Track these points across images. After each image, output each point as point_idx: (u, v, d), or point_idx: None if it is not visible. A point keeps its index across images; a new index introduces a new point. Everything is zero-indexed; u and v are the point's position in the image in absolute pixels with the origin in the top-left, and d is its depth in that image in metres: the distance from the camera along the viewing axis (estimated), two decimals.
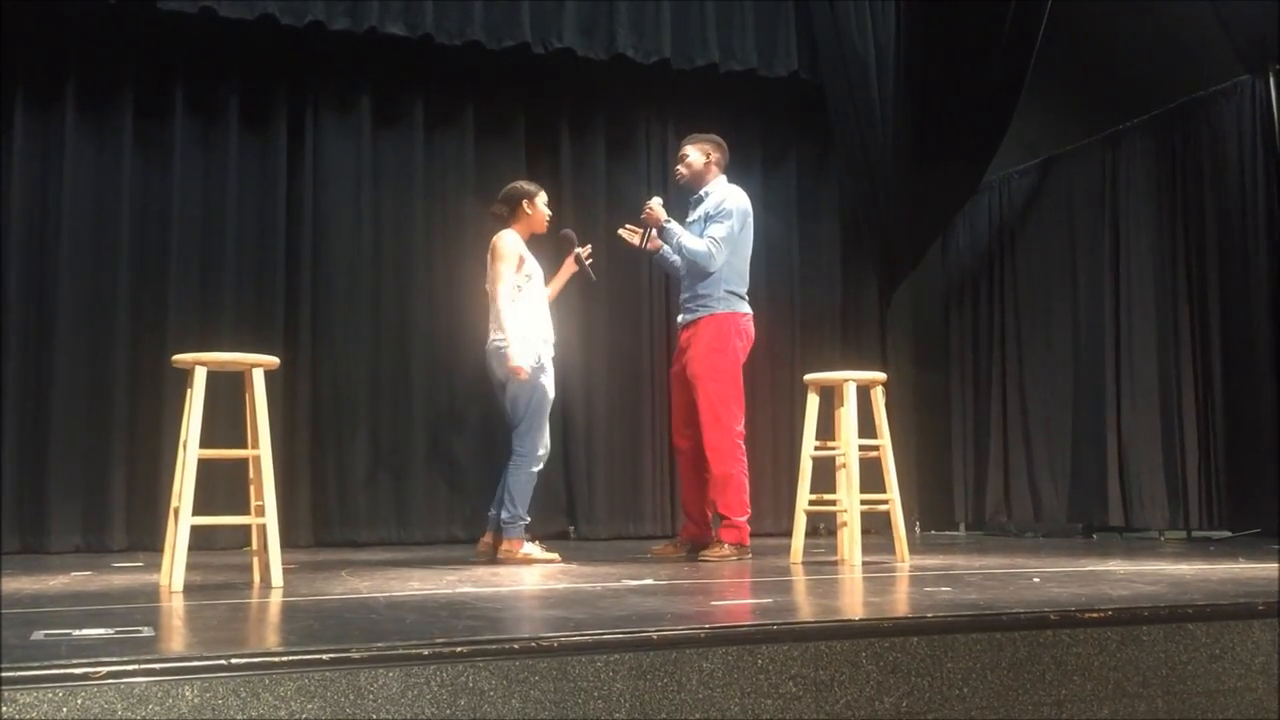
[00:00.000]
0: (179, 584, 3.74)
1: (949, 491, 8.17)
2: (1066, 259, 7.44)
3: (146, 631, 2.58)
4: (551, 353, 5.26)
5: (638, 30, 7.27)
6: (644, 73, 7.41)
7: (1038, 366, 7.62)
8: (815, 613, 2.97)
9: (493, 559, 5.11)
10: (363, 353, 6.96)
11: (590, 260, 5.52)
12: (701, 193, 5.50)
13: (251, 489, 4.07)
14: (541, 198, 5.37)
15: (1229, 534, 6.25)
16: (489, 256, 5.22)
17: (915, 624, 2.54)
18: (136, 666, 2.03)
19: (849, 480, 4.88)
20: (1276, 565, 4.21)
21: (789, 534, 5.17)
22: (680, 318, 5.52)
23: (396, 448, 6.96)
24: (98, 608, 3.22)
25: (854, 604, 3.26)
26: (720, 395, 5.25)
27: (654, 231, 5.45)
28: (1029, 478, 7.61)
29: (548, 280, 5.47)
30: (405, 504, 6.93)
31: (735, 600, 3.37)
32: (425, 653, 2.18)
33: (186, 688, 2.00)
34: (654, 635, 2.34)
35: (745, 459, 5.31)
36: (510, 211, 5.32)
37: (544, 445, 5.20)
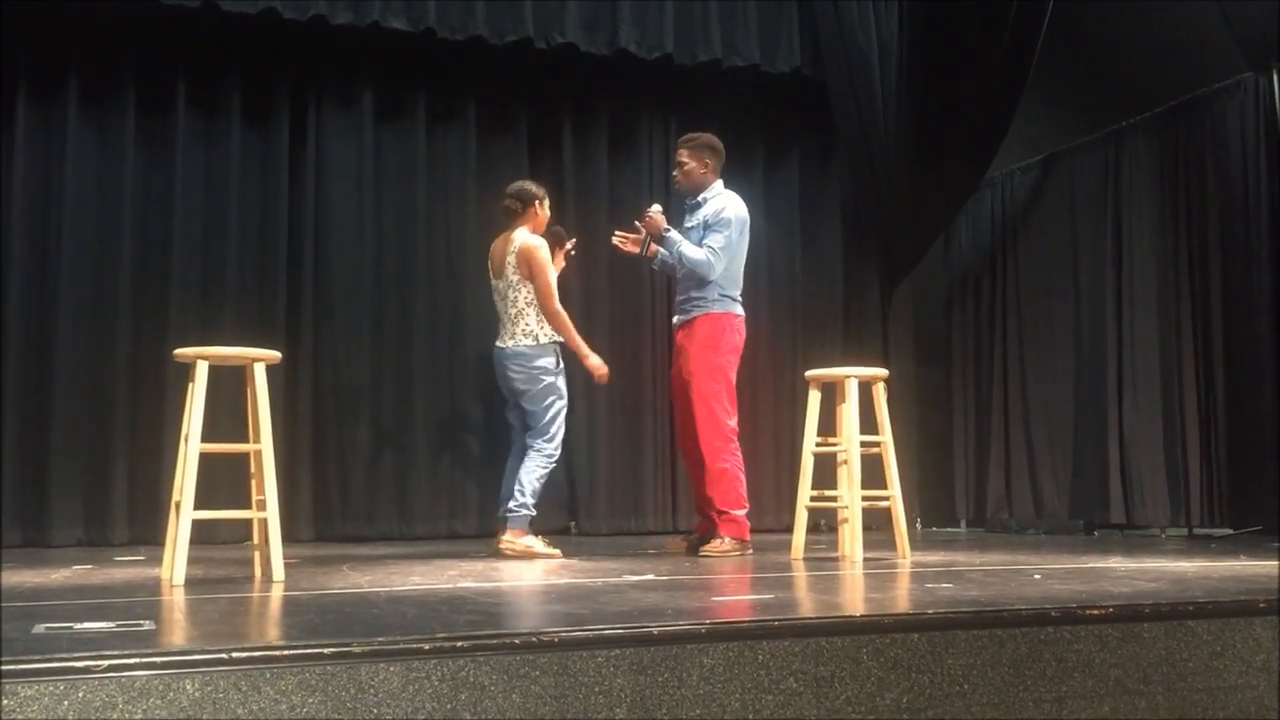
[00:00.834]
0: (180, 578, 3.75)
1: (950, 488, 8.17)
2: (1068, 256, 7.43)
3: (148, 625, 2.58)
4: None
5: (640, 26, 7.26)
6: (646, 68, 7.40)
7: (1039, 363, 7.62)
8: (816, 609, 2.97)
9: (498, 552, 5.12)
10: (364, 347, 6.96)
11: (572, 254, 5.69)
12: (699, 198, 5.51)
13: (253, 483, 4.08)
14: (548, 200, 5.54)
15: (1230, 531, 6.25)
16: (520, 263, 5.28)
17: (916, 620, 2.54)
18: (138, 660, 2.03)
19: (850, 476, 4.88)
20: (1277, 563, 4.21)
21: (790, 530, 5.17)
22: (675, 319, 5.57)
23: (398, 442, 6.96)
24: (99, 601, 3.23)
25: (855, 600, 3.26)
26: (714, 392, 5.29)
27: (652, 239, 5.49)
28: (1030, 474, 7.61)
29: None
30: (407, 498, 6.93)
31: (736, 596, 3.37)
32: (426, 647, 2.18)
33: (188, 681, 2.00)
34: (655, 631, 2.34)
35: (739, 454, 5.35)
36: (523, 208, 5.42)
37: (560, 445, 5.36)
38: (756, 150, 7.81)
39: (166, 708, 1.98)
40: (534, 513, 5.23)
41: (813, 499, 5.04)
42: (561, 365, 5.31)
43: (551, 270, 5.34)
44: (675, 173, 5.59)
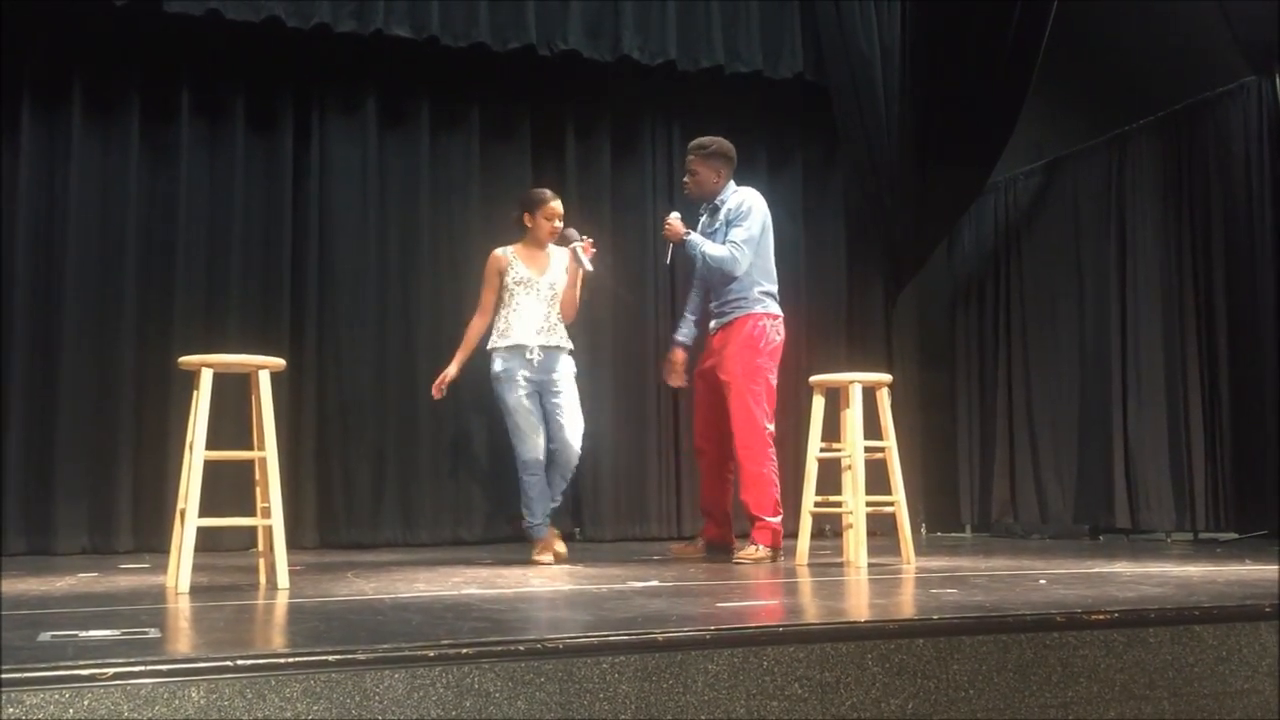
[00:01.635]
0: (185, 585, 3.75)
1: (955, 493, 8.16)
2: (1072, 260, 7.43)
3: (153, 633, 2.58)
4: (529, 359, 5.31)
5: (643, 32, 7.27)
6: (649, 74, 7.41)
7: (1044, 368, 7.61)
8: (821, 614, 2.97)
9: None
10: (369, 354, 6.97)
11: (592, 252, 5.45)
12: (716, 201, 5.51)
13: (257, 490, 4.08)
14: (545, 210, 5.43)
15: (1236, 536, 6.24)
16: None
17: (921, 626, 2.54)
18: (143, 668, 2.03)
19: (854, 482, 4.87)
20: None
21: (794, 536, 5.16)
22: (712, 324, 5.50)
23: (402, 449, 6.96)
24: (104, 609, 3.23)
25: (860, 606, 3.25)
26: (754, 394, 5.26)
27: (673, 246, 5.47)
28: (1035, 479, 7.60)
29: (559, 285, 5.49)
30: (411, 505, 6.93)
31: (741, 602, 3.37)
32: (431, 654, 2.18)
33: (192, 689, 2.00)
34: (659, 637, 2.34)
35: (776, 459, 5.31)
36: (518, 219, 5.48)
37: (528, 453, 5.29)
38: (759, 155, 7.81)
39: (171, 715, 1.98)
40: (536, 522, 5.33)
41: (817, 504, 5.04)
42: (504, 373, 5.31)
43: (487, 283, 5.41)
44: (686, 179, 5.57)
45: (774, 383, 5.37)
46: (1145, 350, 6.78)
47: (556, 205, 5.44)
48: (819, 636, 2.42)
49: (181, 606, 3.29)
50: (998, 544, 6.64)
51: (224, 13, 6.40)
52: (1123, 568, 4.39)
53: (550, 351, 5.36)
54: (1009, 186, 8.01)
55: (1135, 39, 7.38)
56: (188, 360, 4.02)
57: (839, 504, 5.02)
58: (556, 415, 5.35)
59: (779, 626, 2.49)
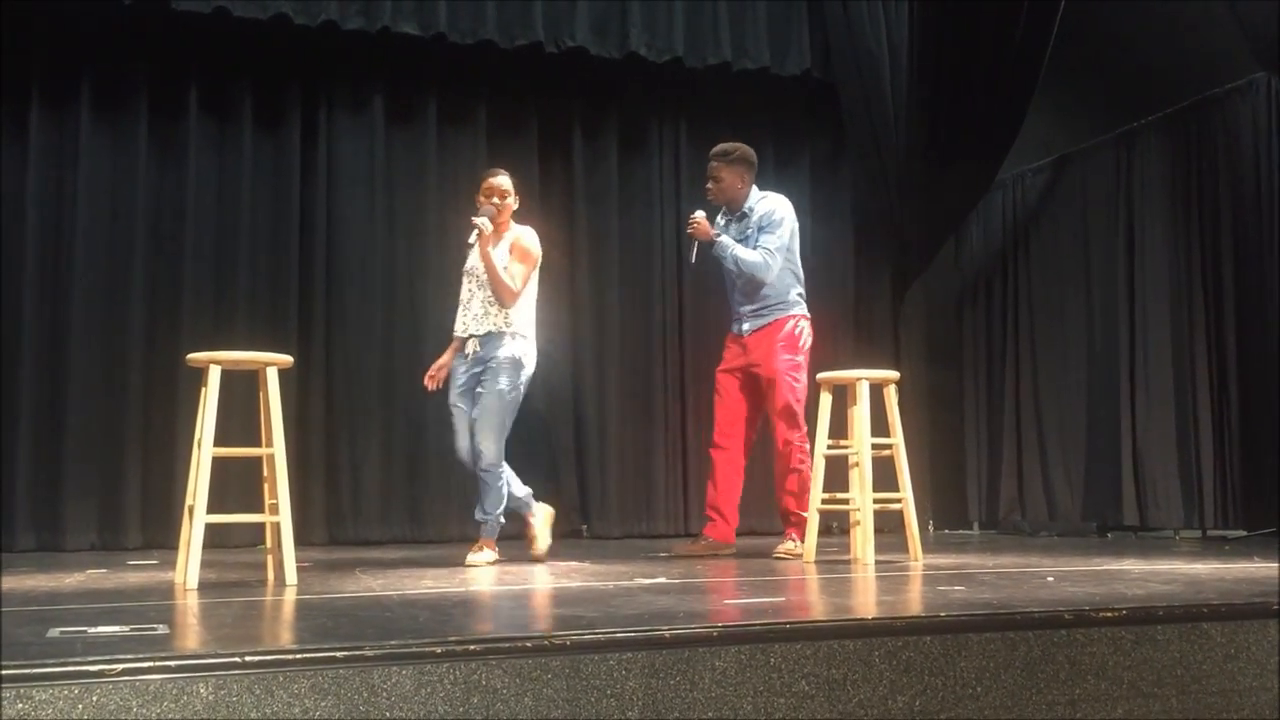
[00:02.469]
0: (193, 582, 3.76)
1: (962, 490, 8.15)
2: (1080, 257, 7.41)
3: (161, 629, 2.59)
4: (466, 353, 5.10)
5: (650, 29, 7.27)
6: (657, 71, 7.41)
7: (1052, 365, 7.60)
8: (828, 612, 2.97)
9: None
10: (376, 351, 6.97)
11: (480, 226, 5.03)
12: (746, 208, 5.52)
13: (265, 487, 4.09)
14: (483, 189, 5.08)
15: (1244, 533, 6.22)
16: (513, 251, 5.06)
17: (928, 623, 2.54)
18: (151, 664, 2.04)
19: (862, 479, 4.87)
20: None
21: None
22: (744, 325, 5.48)
23: (410, 445, 6.97)
24: (113, 605, 3.24)
25: (867, 603, 3.25)
26: (795, 392, 5.33)
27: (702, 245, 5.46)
28: (1043, 476, 7.58)
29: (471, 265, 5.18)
30: (419, 502, 6.94)
31: (748, 599, 3.37)
32: (438, 651, 2.19)
33: (201, 685, 2.01)
34: (666, 634, 2.34)
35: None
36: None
37: (486, 449, 4.91)
38: (766, 152, 7.77)
39: (180, 711, 1.98)
40: (488, 521, 5.02)
41: (824, 502, 5.03)
42: (443, 365, 5.17)
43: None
44: (710, 185, 5.55)
45: (805, 382, 5.43)
46: (1153, 347, 6.76)
47: (494, 181, 5.09)
48: (826, 633, 2.42)
49: (190, 603, 3.30)
50: (1005, 541, 6.63)
51: (232, 10, 6.41)
52: (1131, 565, 4.38)
53: (485, 339, 5.06)
54: (1017, 183, 8.00)
55: (1143, 35, 7.36)
56: (196, 357, 4.03)
57: (846, 501, 5.02)
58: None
59: (786, 623, 2.49)
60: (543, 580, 4.07)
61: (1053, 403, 7.55)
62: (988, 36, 7.21)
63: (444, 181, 7.23)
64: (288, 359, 4.14)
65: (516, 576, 4.20)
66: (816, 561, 4.87)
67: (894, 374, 5.14)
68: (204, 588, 3.75)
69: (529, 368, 5.10)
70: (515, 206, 5.17)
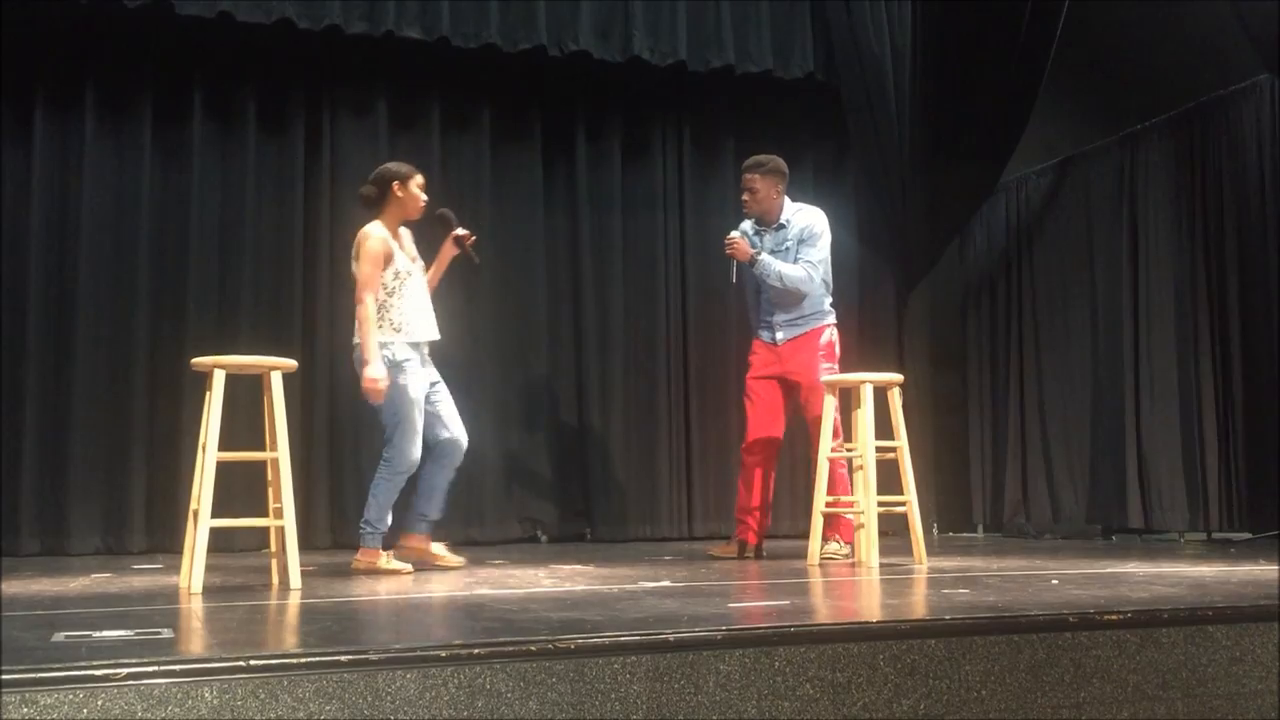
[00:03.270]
0: (198, 586, 3.76)
1: (966, 493, 8.14)
2: (1084, 260, 7.40)
3: (166, 633, 2.59)
4: (425, 349, 4.89)
5: (654, 32, 7.27)
6: (660, 75, 7.41)
7: (1056, 367, 7.59)
8: (832, 615, 2.97)
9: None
10: None
11: (473, 240, 5.11)
12: (783, 220, 5.54)
13: (270, 491, 4.09)
14: (416, 180, 4.91)
15: (1249, 536, 6.21)
16: (353, 253, 4.84)
17: (933, 626, 2.53)
18: (156, 668, 2.04)
19: (866, 482, 4.87)
20: None
21: (806, 535, 5.16)
22: (779, 334, 5.50)
23: None
24: (118, 609, 3.24)
25: (871, 606, 3.25)
26: (834, 403, 5.31)
27: (737, 264, 5.48)
28: (1047, 479, 7.57)
29: (427, 268, 5.09)
30: None
31: (752, 602, 3.37)
32: (443, 654, 2.19)
33: (206, 689, 2.01)
34: (671, 637, 2.34)
35: None
36: (380, 194, 4.88)
37: (415, 453, 4.76)
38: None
39: (184, 715, 1.99)
40: (383, 530, 4.78)
41: (828, 504, 5.03)
42: (406, 362, 4.73)
43: (376, 262, 4.72)
44: (745, 197, 5.56)
45: None
46: (1157, 349, 6.75)
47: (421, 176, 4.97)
48: (831, 637, 2.42)
49: (194, 607, 3.30)
50: (1010, 544, 6.62)
51: (235, 15, 6.42)
52: (1135, 568, 4.37)
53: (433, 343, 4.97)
54: (1020, 186, 7.99)
55: (1147, 37, 7.36)
56: (200, 361, 4.03)
57: (850, 504, 5.01)
58: (442, 405, 4.94)
59: (790, 627, 2.49)
60: (547, 584, 4.07)
61: (1057, 405, 7.55)
62: (991, 39, 7.21)
63: (448, 185, 7.22)
64: (292, 363, 4.14)
65: (520, 580, 4.20)
66: (820, 564, 4.88)
67: (898, 377, 5.14)
68: (209, 592, 3.75)
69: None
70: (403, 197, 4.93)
